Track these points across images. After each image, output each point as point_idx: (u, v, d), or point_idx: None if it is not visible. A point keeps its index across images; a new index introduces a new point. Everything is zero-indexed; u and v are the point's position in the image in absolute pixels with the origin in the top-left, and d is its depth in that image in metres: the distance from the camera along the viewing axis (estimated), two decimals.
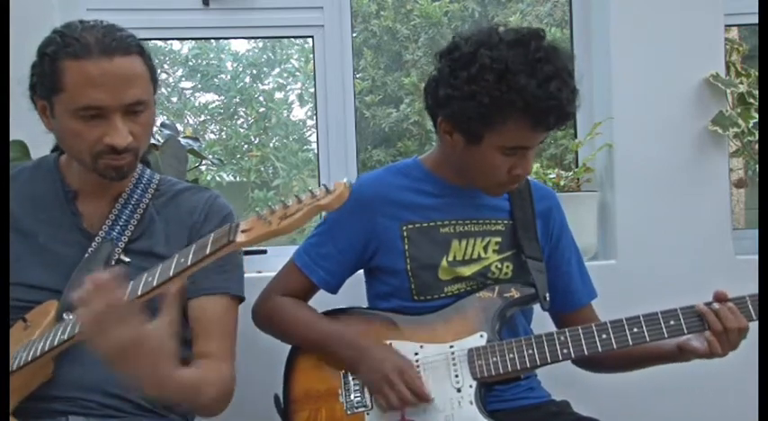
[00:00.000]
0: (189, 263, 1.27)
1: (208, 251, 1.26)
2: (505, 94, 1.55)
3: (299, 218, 1.20)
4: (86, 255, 1.53)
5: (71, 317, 1.41)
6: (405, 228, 1.73)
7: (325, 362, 1.69)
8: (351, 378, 1.66)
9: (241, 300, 1.63)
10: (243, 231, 1.25)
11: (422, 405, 1.59)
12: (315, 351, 1.72)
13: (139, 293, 1.31)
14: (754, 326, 1.58)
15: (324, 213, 1.76)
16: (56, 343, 1.38)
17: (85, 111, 1.44)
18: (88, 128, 1.46)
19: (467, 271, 1.72)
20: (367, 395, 1.64)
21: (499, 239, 1.75)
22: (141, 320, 1.25)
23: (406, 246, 1.73)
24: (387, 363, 1.61)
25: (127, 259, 1.54)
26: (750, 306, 1.59)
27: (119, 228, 1.56)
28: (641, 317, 1.60)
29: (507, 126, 1.58)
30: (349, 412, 1.63)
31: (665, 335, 1.59)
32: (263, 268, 2.17)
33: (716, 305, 1.59)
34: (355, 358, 1.65)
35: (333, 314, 1.76)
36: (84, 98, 1.44)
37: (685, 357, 1.66)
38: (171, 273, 1.29)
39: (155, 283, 1.30)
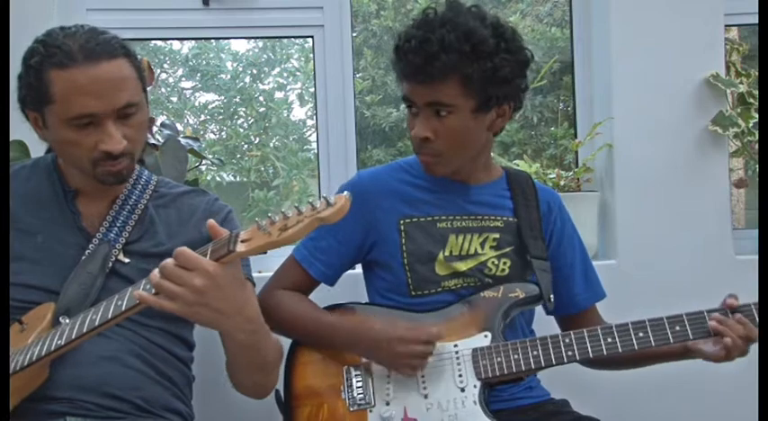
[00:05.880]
0: None
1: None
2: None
3: (298, 230, 1.20)
4: (84, 257, 1.52)
5: (67, 321, 1.41)
6: (402, 222, 1.74)
7: (327, 356, 1.69)
8: (353, 374, 1.66)
9: (253, 284, 1.64)
10: (242, 241, 1.26)
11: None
12: (314, 344, 1.72)
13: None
14: None
15: None
16: (53, 348, 1.38)
17: (78, 119, 1.44)
18: (82, 136, 1.46)
19: (463, 266, 1.73)
20: (369, 391, 1.64)
21: (497, 236, 1.76)
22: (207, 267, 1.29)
23: (403, 241, 1.73)
24: (381, 338, 1.62)
25: (126, 260, 1.54)
26: (755, 313, 1.58)
27: (116, 229, 1.56)
28: (647, 322, 1.59)
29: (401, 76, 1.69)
30: (351, 409, 1.63)
31: (671, 341, 1.58)
32: (263, 268, 2.17)
33: (718, 315, 1.58)
34: (351, 343, 1.67)
35: (334, 309, 1.76)
36: (74, 107, 1.43)
37: (691, 357, 1.65)
38: None
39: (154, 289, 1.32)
